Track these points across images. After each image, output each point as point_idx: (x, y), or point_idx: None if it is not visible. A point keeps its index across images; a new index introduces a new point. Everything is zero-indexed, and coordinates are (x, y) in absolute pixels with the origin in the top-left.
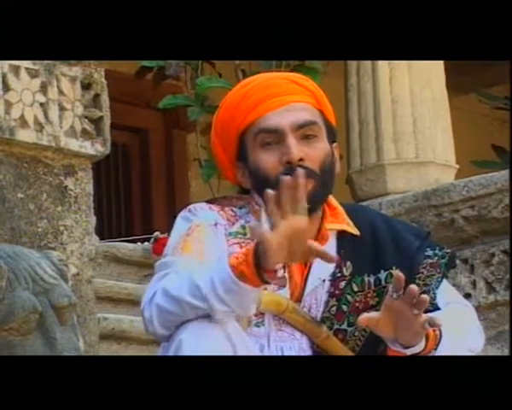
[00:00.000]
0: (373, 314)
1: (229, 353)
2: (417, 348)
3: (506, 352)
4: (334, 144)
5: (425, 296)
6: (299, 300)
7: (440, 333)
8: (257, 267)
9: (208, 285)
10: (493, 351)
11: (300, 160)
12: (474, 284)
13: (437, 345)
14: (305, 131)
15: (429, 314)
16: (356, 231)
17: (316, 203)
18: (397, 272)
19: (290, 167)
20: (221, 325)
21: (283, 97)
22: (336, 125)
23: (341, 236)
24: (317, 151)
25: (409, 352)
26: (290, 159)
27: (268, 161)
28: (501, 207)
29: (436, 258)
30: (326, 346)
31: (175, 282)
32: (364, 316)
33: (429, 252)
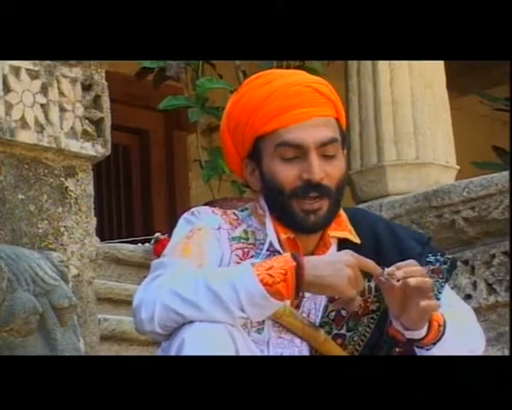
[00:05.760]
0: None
1: (232, 354)
2: (416, 335)
3: (506, 353)
4: (344, 151)
5: (428, 281)
6: (298, 305)
7: (444, 330)
8: (297, 290)
9: (230, 295)
10: (493, 352)
11: (321, 179)
12: (474, 285)
13: (437, 341)
14: (326, 149)
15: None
16: (357, 240)
17: (329, 222)
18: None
19: (308, 185)
20: (224, 326)
21: (307, 110)
22: None
23: (343, 243)
24: (335, 169)
25: (408, 335)
26: (312, 178)
27: (287, 175)
28: (501, 208)
29: (438, 264)
30: (324, 350)
31: (187, 284)
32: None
33: (431, 258)
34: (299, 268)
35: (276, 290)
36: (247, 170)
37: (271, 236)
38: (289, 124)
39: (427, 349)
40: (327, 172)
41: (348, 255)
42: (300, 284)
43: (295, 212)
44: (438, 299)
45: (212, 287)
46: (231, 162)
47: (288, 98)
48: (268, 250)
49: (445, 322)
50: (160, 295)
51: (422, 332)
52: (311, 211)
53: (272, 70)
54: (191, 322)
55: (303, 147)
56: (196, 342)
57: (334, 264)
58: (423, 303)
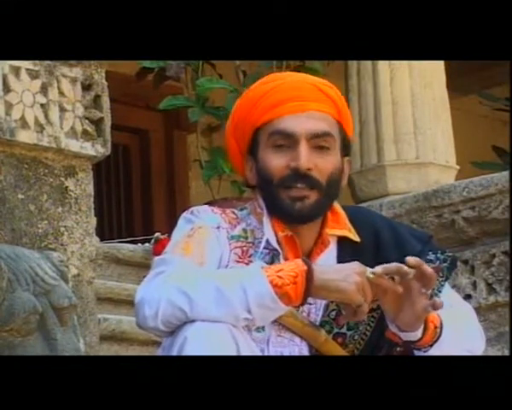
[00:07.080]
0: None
1: (233, 353)
2: (413, 336)
3: (506, 353)
4: (347, 158)
5: (433, 273)
6: None
7: (440, 332)
8: (306, 293)
9: (238, 295)
10: (493, 352)
11: (308, 169)
12: (474, 285)
13: (434, 342)
14: (319, 142)
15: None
16: (356, 238)
17: (316, 213)
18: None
19: (296, 174)
20: (226, 326)
21: (305, 103)
22: None
23: (342, 241)
24: (327, 163)
25: (404, 337)
26: (298, 166)
27: (276, 163)
28: (501, 208)
29: (438, 262)
30: (325, 350)
31: (192, 282)
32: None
33: (431, 256)
34: (309, 272)
35: (284, 292)
36: (247, 166)
37: (268, 234)
38: (284, 114)
39: (425, 351)
40: (317, 164)
41: (357, 264)
42: (310, 287)
43: (282, 200)
44: (438, 298)
45: (218, 286)
46: (235, 161)
47: (286, 91)
48: (266, 249)
49: (441, 323)
50: (165, 292)
51: (418, 334)
52: (298, 198)
53: (281, 72)
54: (193, 321)
55: (294, 136)
56: (199, 341)
57: (344, 270)
58: (424, 301)
